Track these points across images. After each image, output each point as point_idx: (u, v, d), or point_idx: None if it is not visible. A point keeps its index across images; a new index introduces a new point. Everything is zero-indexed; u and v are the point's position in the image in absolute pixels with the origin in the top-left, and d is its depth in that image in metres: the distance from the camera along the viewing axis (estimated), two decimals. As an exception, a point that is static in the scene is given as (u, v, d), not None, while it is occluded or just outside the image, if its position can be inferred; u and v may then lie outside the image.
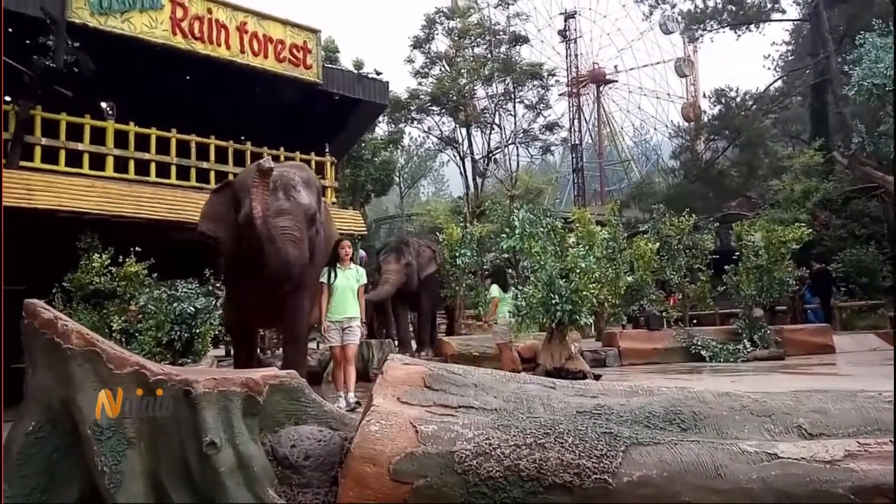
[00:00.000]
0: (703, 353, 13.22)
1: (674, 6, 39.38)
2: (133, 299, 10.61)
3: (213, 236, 7.48)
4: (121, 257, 10.90)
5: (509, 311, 9.56)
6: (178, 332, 9.68)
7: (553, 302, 9.21)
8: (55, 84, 11.19)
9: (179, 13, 13.81)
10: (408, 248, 14.15)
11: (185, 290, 10.66)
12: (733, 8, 36.16)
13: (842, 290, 19.35)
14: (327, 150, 16.87)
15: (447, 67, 35.90)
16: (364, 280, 7.94)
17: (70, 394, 2.39)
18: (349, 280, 7.63)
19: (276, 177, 6.43)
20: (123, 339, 9.66)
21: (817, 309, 19.10)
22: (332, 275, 7.52)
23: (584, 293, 9.25)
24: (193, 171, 14.31)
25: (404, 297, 14.14)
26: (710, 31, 37.63)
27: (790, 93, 38.95)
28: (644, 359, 13.14)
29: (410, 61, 36.66)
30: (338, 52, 28.02)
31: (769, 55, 42.40)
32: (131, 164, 13.37)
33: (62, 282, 10.53)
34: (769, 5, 36.52)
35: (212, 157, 14.68)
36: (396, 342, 13.91)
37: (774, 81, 40.46)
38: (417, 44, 36.40)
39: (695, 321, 16.77)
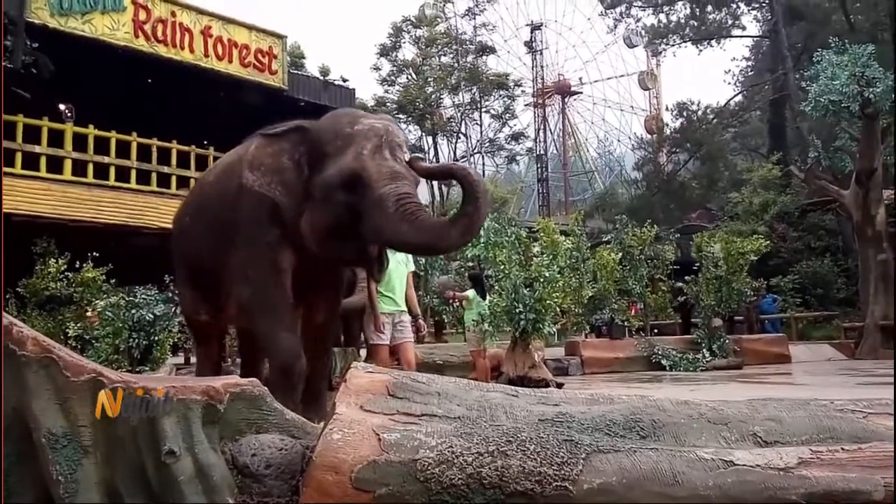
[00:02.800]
0: (663, 362, 13.39)
1: (638, 20, 40.04)
2: (90, 305, 10.41)
3: (267, 195, 4.74)
4: (78, 263, 10.69)
5: (474, 320, 9.42)
6: (137, 340, 9.49)
7: (517, 311, 9.25)
8: (12, 85, 10.95)
9: (142, 15, 13.65)
10: None
11: (143, 296, 10.48)
12: (695, 23, 36.88)
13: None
14: (292, 156, 16.76)
15: (414, 76, 36.01)
16: (412, 266, 6.94)
17: (24, 401, 2.34)
18: (399, 265, 6.46)
19: (380, 130, 4.56)
20: (79, 346, 9.46)
21: (775, 320, 19.48)
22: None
23: (548, 302, 9.32)
24: (154, 176, 14.12)
25: None
26: (673, 45, 38.36)
27: (749, 107, 39.78)
28: (606, 367, 13.26)
29: (377, 69, 36.75)
30: (304, 58, 27.94)
31: (730, 70, 43.28)
32: (90, 168, 13.14)
33: (16, 287, 10.30)
34: (730, 22, 37.34)
35: (173, 161, 14.50)
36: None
37: (734, 96, 41.34)
38: (384, 52, 36.47)
39: (655, 330, 16.98)
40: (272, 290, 4.68)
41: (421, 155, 4.71)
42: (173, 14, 14.14)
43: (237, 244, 4.76)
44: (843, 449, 1.99)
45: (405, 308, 6.74)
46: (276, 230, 4.61)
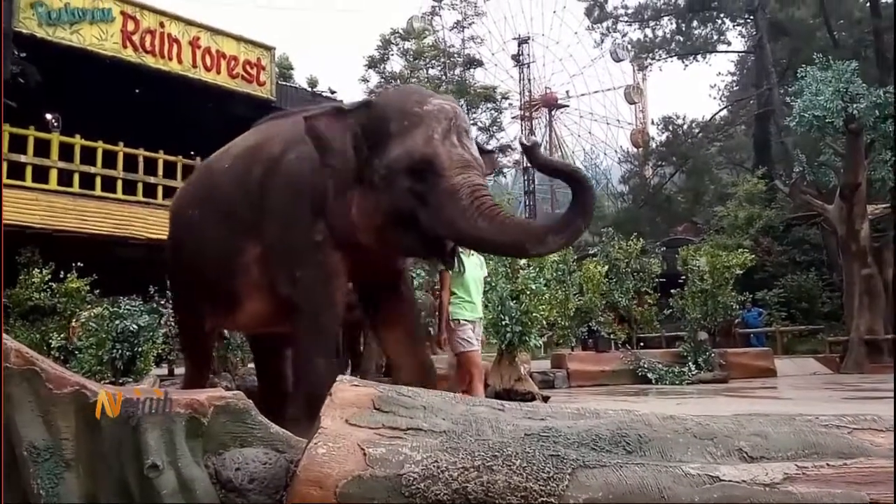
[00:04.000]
0: (649, 375, 13.41)
1: (624, 35, 40.38)
2: (74, 316, 10.33)
3: (330, 164, 4.00)
4: (62, 273, 10.61)
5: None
6: (120, 351, 9.42)
7: (503, 323, 9.26)
8: (-2, 94, 10.91)
9: (131, 26, 13.63)
10: None
11: (128, 307, 10.41)
12: (681, 38, 37.24)
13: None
14: (279, 167, 16.74)
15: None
16: (486, 271, 6.50)
17: (7, 414, 2.32)
18: (476, 268, 6.02)
19: (450, 112, 3.96)
20: (63, 358, 9.39)
21: (760, 334, 19.59)
22: (461, 264, 5.42)
23: (534, 315, 9.33)
24: (140, 186, 14.05)
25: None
26: (659, 60, 38.72)
27: (735, 122, 40.14)
28: (592, 381, 13.27)
29: (365, 81, 36.86)
30: (292, 69, 27.97)
31: (715, 85, 43.82)
32: (76, 178, 13.06)
33: (-1, 297, 10.20)
34: (715, 37, 37.72)
35: (160, 171, 14.44)
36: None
37: (720, 111, 41.69)
38: (372, 64, 36.60)
39: (642, 344, 17.03)
40: (323, 301, 4.10)
41: (539, 141, 4.06)
42: (162, 25, 14.13)
43: (269, 237, 4.17)
44: (828, 465, 2.00)
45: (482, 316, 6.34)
46: (322, 223, 4.05)
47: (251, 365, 11.84)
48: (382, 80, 36.79)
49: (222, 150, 5.01)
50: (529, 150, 3.96)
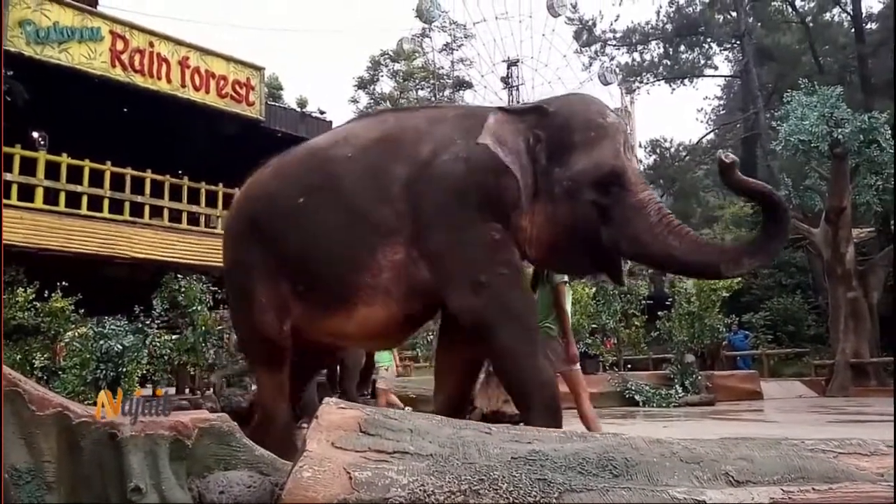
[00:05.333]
0: (636, 397, 13.40)
1: (612, 59, 40.72)
2: (58, 336, 10.24)
3: (515, 175, 3.74)
4: (46, 292, 10.52)
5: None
6: (104, 371, 9.35)
7: (491, 345, 9.24)
8: (-15, 112, 10.87)
9: (120, 45, 13.63)
10: None
11: (112, 327, 10.34)
12: (668, 62, 37.68)
13: None
14: (267, 187, 16.72)
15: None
16: None
17: (-14, 436, 2.29)
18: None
19: (623, 126, 3.95)
20: (46, 378, 9.29)
21: (746, 356, 19.64)
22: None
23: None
24: (127, 205, 13.99)
25: None
26: (647, 83, 39.08)
27: (721, 145, 40.40)
28: (579, 403, 13.22)
29: (355, 101, 37.03)
30: (281, 89, 28.06)
31: (702, 109, 44.30)
32: (62, 196, 12.99)
33: (-18, 317, 10.11)
34: (702, 61, 38.19)
35: (147, 191, 14.39)
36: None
37: (707, 134, 42.08)
38: (362, 84, 36.80)
39: (629, 366, 17.04)
40: (522, 301, 3.78)
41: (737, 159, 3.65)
42: (151, 44, 14.14)
43: (433, 246, 3.74)
44: (813, 489, 2.00)
45: None
46: (495, 222, 3.70)
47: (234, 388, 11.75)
48: (372, 101, 36.96)
49: (330, 136, 4.47)
50: (727, 169, 3.60)
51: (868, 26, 28.94)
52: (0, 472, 2.25)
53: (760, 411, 11.93)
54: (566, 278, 5.31)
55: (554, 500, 2.02)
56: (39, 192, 12.71)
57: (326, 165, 4.10)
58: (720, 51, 38.05)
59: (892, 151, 15.13)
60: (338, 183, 3.99)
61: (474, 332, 3.77)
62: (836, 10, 31.64)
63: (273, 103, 17.97)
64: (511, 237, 3.73)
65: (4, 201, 12.11)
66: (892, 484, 2.00)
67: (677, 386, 13.59)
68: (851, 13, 28.59)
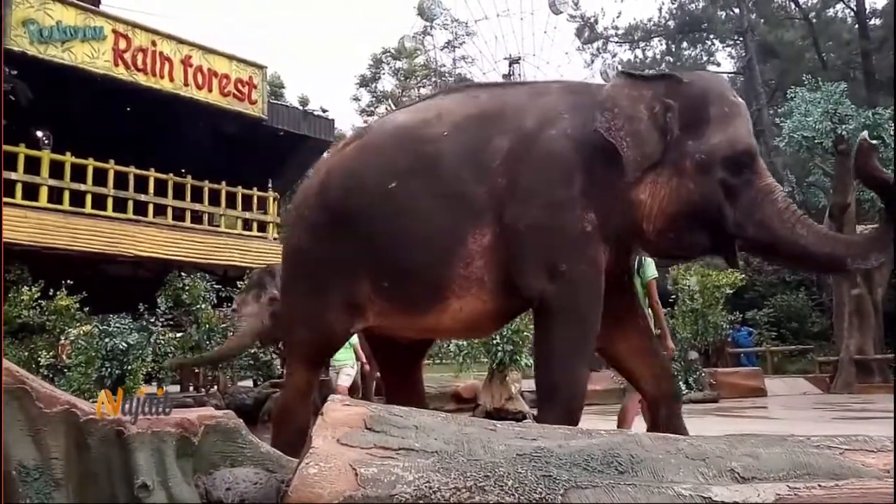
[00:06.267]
0: (640, 394, 13.39)
1: (615, 55, 40.72)
2: (63, 334, 10.27)
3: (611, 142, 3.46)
4: (51, 290, 10.56)
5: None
6: (109, 369, 9.37)
7: (494, 342, 9.25)
8: (-11, 111, 10.90)
9: (122, 44, 13.66)
10: (273, 279, 9.82)
11: (117, 325, 10.36)
12: (671, 59, 37.61)
13: None
14: (270, 185, 16.76)
15: (393, 106, 36.26)
16: None
17: (-6, 434, 2.30)
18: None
19: (745, 106, 3.75)
20: (51, 376, 9.31)
21: (750, 353, 19.62)
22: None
23: (525, 333, 9.33)
24: (131, 204, 14.02)
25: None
26: (649, 80, 38.98)
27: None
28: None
29: (357, 99, 37.02)
30: (283, 87, 28.05)
31: (705, 106, 43.98)
32: (66, 195, 13.03)
33: (-13, 315, 10.15)
34: (705, 58, 38.13)
35: (151, 189, 14.42)
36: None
37: (710, 130, 41.96)
38: (364, 82, 36.78)
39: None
40: (592, 300, 3.50)
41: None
42: (154, 43, 14.16)
43: (520, 222, 3.48)
44: (819, 486, 2.00)
45: None
46: (591, 211, 3.47)
47: (241, 383, 11.77)
48: (374, 98, 36.96)
49: (417, 114, 4.03)
50: (866, 153, 3.32)
51: (872, 22, 28.86)
52: (0, 471, 2.26)
53: (764, 408, 11.93)
54: (657, 273, 5.20)
55: (559, 497, 2.02)
56: (44, 191, 12.75)
57: (420, 146, 3.74)
58: (723, 47, 38.03)
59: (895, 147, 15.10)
60: (434, 165, 3.67)
61: (537, 317, 3.63)
62: (839, 6, 31.56)
63: (275, 102, 17.98)
64: (600, 229, 3.49)
65: (9, 200, 12.15)
66: (893, 480, 2.00)
67: (681, 383, 13.58)
68: (855, 9, 28.52)
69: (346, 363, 9.05)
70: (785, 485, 2.01)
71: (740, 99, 3.68)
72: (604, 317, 3.54)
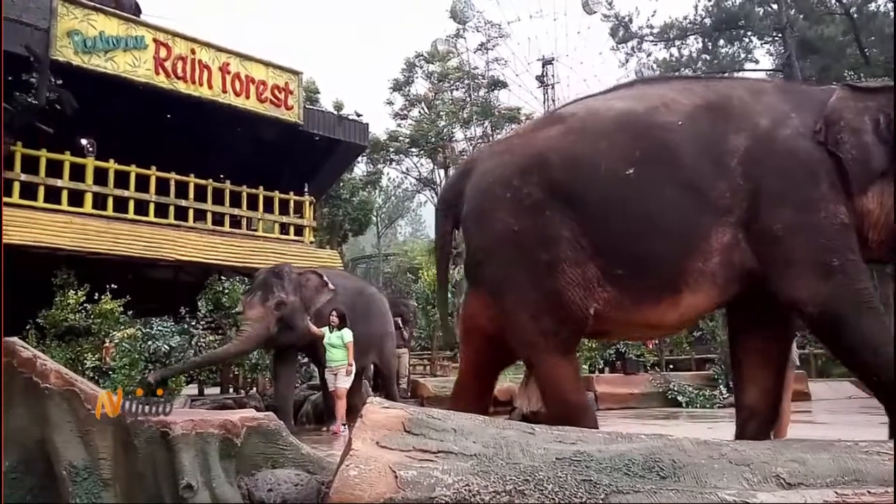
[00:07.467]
0: (679, 398, 13.24)
1: (649, 54, 40.24)
2: (108, 337, 10.49)
3: (838, 155, 3.54)
4: (96, 294, 10.79)
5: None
6: (153, 371, 9.56)
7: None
8: (36, 120, 11.17)
9: (163, 53, 13.89)
10: (281, 281, 9.74)
11: (159, 328, 10.57)
12: (708, 57, 37.07)
13: None
14: (306, 189, 16.92)
15: (426, 110, 36.32)
16: None
17: (47, 434, 2.36)
18: None
19: None
20: (96, 377, 9.52)
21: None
22: None
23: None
24: (172, 209, 14.26)
25: (287, 350, 10.01)
26: (686, 79, 38.44)
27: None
28: (621, 403, 13.13)
29: (390, 103, 37.07)
30: (318, 93, 28.20)
31: (743, 104, 43.13)
32: (110, 201, 13.31)
33: (36, 318, 10.39)
34: (743, 55, 37.49)
35: (191, 195, 14.65)
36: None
37: (748, 130, 41.24)
38: (397, 86, 36.84)
39: (671, 366, 16.83)
40: (870, 290, 3.42)
41: None
42: (193, 51, 14.38)
43: (776, 223, 3.41)
44: (869, 492, 1.96)
45: None
46: (842, 204, 3.42)
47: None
48: (407, 102, 37.01)
49: (637, 100, 3.90)
50: None
51: (917, 16, 28.11)
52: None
53: (808, 412, 11.69)
54: None
55: (600, 502, 2.01)
56: (88, 198, 13.03)
57: (656, 133, 3.64)
58: (761, 44, 37.30)
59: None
60: (673, 154, 3.59)
61: (817, 322, 3.45)
62: (881, 0, 30.84)
63: (311, 107, 18.11)
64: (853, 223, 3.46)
65: (55, 206, 12.44)
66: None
67: (721, 386, 13.38)
68: (898, 3, 27.84)
69: (343, 364, 9.06)
70: (833, 491, 1.98)
71: None
72: (769, 317, 3.59)
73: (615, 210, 3.59)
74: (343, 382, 9.17)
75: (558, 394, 3.89)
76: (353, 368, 9.22)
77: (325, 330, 9.25)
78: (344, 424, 9.15)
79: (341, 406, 9.23)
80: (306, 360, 11.42)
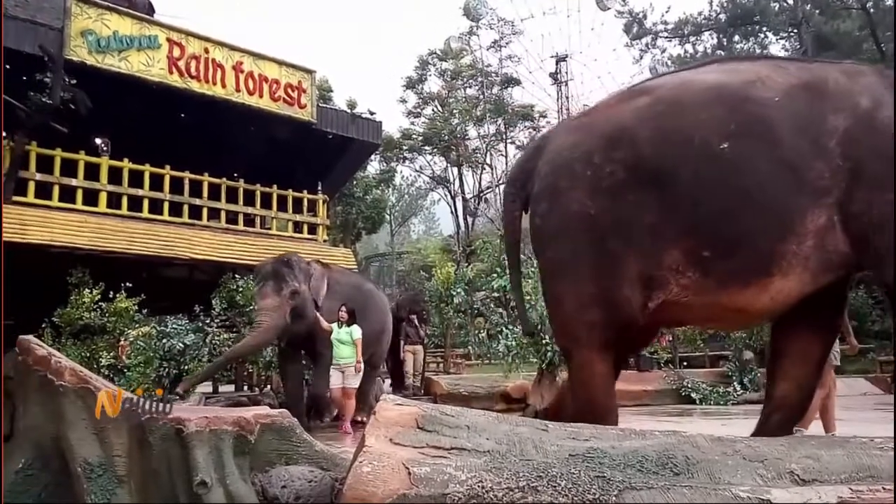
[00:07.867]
0: (693, 395, 13.18)
1: (664, 51, 40.08)
2: (122, 335, 10.56)
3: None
4: (111, 293, 10.86)
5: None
6: (167, 369, 9.62)
7: (543, 342, 9.19)
8: (51, 120, 11.26)
9: (176, 52, 13.96)
10: (291, 271, 9.38)
11: (174, 326, 10.63)
12: (722, 53, 36.84)
13: None
14: (320, 188, 16.96)
15: (440, 108, 36.36)
16: None
17: (62, 431, 2.38)
18: None
19: None
20: (111, 375, 9.58)
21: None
22: None
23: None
24: (186, 208, 14.34)
25: (296, 342, 9.68)
26: (700, 76, 38.22)
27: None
28: (634, 400, 13.07)
29: (403, 101, 37.15)
30: (331, 91, 28.28)
31: (758, 100, 42.89)
32: (124, 200, 13.39)
33: (52, 316, 10.47)
34: (758, 51, 37.26)
35: (205, 194, 14.72)
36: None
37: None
38: (410, 84, 36.90)
39: (685, 363, 16.75)
40: None
41: None
42: (206, 50, 14.44)
43: (885, 197, 3.24)
44: (884, 488, 1.95)
45: None
46: None
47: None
48: (420, 100, 37.06)
49: (730, 74, 3.74)
50: None
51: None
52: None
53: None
54: None
55: (613, 498, 2.01)
56: (103, 197, 13.12)
57: (752, 107, 3.47)
58: (776, 40, 37.07)
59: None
60: (769, 130, 3.42)
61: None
62: (898, -5, 30.53)
63: (324, 105, 18.15)
64: None
65: (70, 206, 12.54)
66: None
67: (735, 383, 13.33)
68: (915, -3, 27.57)
69: (351, 361, 8.98)
70: (847, 487, 1.96)
71: None
72: (821, 313, 3.51)
73: (707, 186, 3.42)
74: (352, 381, 9.11)
75: (587, 391, 3.78)
76: (362, 366, 9.18)
77: (335, 325, 9.20)
78: (338, 419, 9.13)
79: (350, 405, 9.21)
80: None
